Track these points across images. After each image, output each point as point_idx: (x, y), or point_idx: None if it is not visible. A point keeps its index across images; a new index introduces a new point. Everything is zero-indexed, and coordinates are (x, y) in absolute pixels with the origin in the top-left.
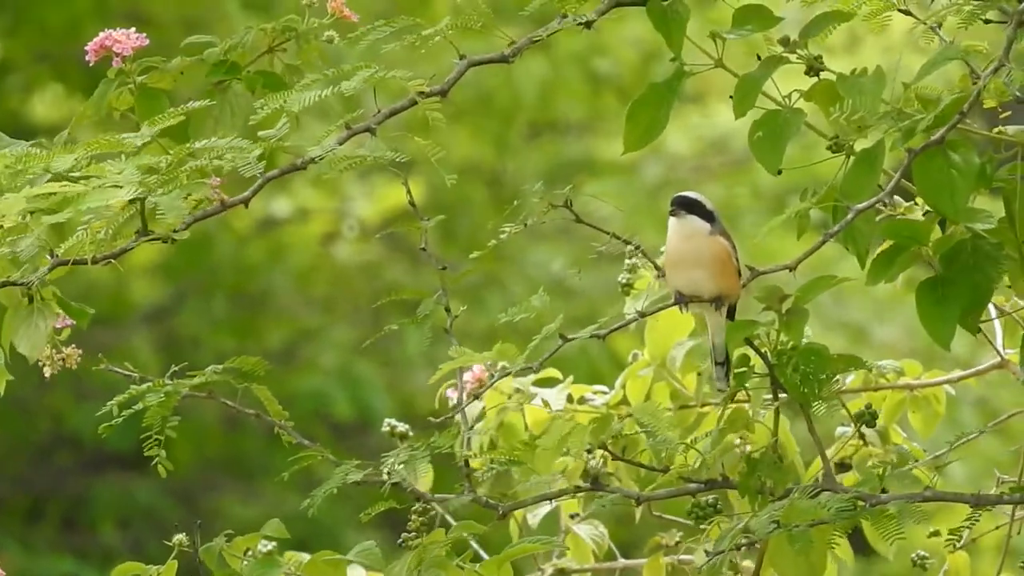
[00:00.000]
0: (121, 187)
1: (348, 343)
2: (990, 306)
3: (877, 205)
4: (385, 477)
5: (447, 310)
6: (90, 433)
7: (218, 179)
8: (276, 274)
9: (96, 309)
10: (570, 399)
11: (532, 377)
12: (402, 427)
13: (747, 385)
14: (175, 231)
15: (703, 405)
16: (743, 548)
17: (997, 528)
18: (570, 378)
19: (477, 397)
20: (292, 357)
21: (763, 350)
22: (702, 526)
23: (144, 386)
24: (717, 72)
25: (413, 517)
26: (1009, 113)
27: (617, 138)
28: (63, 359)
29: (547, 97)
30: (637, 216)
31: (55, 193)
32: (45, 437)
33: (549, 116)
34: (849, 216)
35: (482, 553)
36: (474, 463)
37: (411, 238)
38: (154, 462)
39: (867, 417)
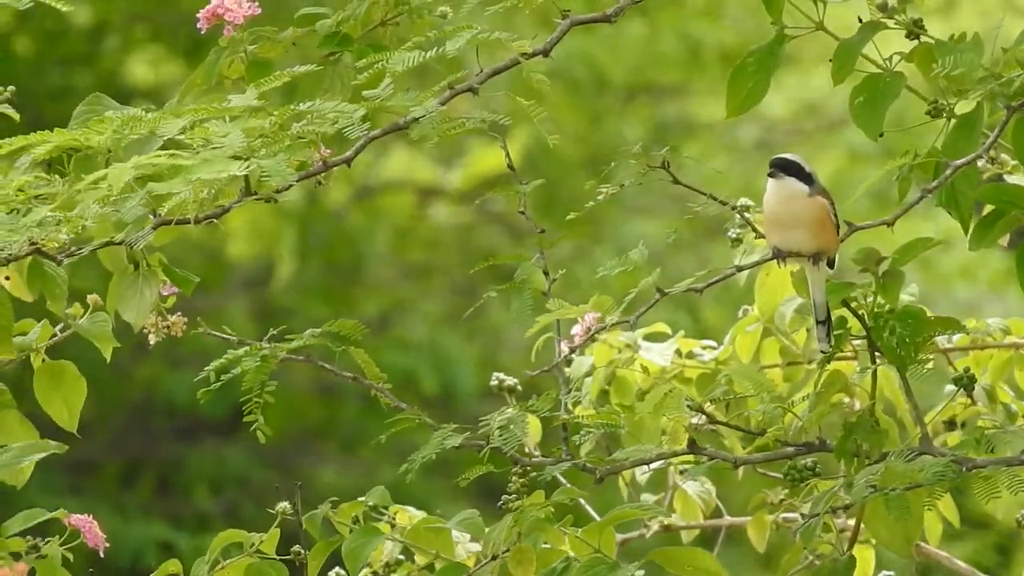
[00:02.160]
0: (231, 158)
1: (439, 314)
2: None
3: (980, 166)
4: (484, 442)
5: (546, 273)
6: (184, 399)
7: (327, 149)
8: (371, 241)
9: (192, 271)
10: (679, 354)
11: (641, 331)
12: (511, 381)
13: (854, 344)
14: (278, 191)
15: (811, 361)
16: (841, 510)
17: None
18: (680, 332)
19: (575, 349)
20: (385, 327)
21: (860, 312)
22: (802, 486)
23: (242, 350)
24: (814, 34)
25: (513, 479)
26: None
27: (714, 99)
28: (168, 327)
29: (644, 66)
30: (734, 178)
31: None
32: (139, 402)
33: (646, 79)
34: (948, 172)
35: (591, 511)
36: (581, 420)
37: (506, 204)
38: (253, 427)
39: (965, 381)
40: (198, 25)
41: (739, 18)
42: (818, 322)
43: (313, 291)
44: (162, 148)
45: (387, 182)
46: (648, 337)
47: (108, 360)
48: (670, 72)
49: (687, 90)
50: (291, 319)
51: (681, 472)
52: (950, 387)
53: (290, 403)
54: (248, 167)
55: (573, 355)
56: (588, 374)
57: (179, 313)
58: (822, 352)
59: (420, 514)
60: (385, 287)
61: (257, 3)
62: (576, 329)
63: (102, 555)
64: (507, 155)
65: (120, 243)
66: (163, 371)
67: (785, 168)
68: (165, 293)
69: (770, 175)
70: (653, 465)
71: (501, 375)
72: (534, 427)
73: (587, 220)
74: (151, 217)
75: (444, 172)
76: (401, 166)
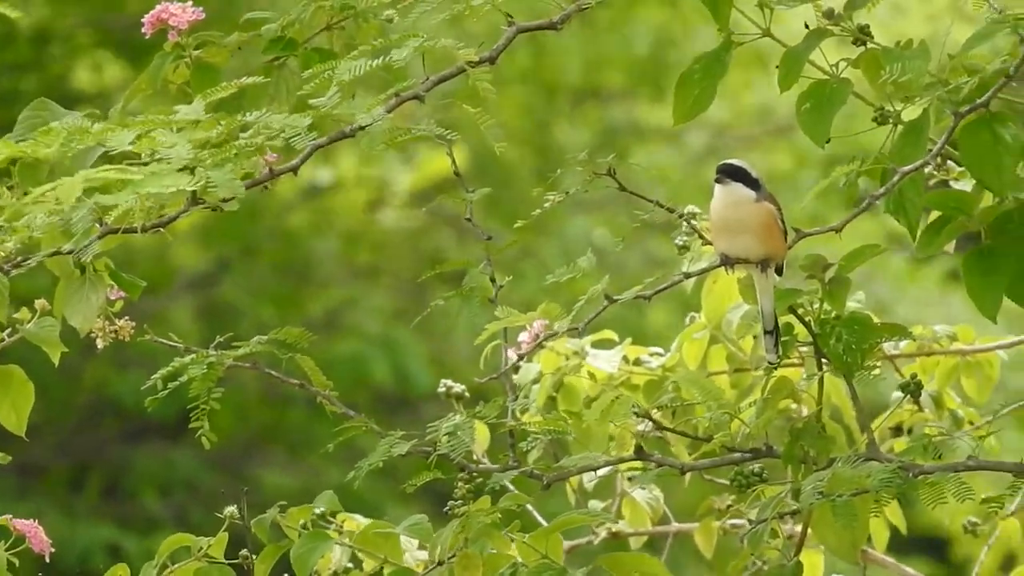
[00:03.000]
0: (179, 170)
1: (389, 310)
2: None
3: (927, 172)
4: (431, 449)
5: (492, 280)
6: (131, 402)
7: (274, 155)
8: (319, 242)
9: (137, 277)
10: (626, 360)
11: (589, 338)
12: (458, 388)
13: (801, 351)
14: (224, 200)
15: (758, 368)
16: (788, 516)
17: None
18: (627, 340)
19: (521, 358)
20: (333, 325)
21: (807, 319)
22: (749, 492)
23: (188, 358)
24: (761, 40)
25: (459, 485)
26: None
27: (661, 104)
28: (115, 331)
29: (590, 70)
30: (682, 184)
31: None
32: (87, 405)
33: (593, 83)
34: (895, 178)
35: (539, 517)
36: (528, 427)
37: (454, 206)
38: (198, 434)
39: (912, 387)
40: (143, 30)
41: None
42: (766, 332)
43: (260, 291)
44: (108, 157)
45: (335, 184)
46: (596, 344)
47: (56, 364)
48: (615, 78)
49: (634, 94)
50: (237, 319)
51: (629, 479)
52: (897, 394)
53: (238, 407)
54: (197, 182)
55: (521, 362)
56: (535, 381)
57: (127, 317)
58: (769, 363)
59: (368, 521)
60: (333, 286)
61: (201, 8)
62: (524, 336)
63: (47, 560)
64: (453, 163)
65: (69, 252)
66: (111, 373)
67: (732, 174)
68: (112, 297)
69: (717, 180)
70: (600, 472)
71: (449, 382)
72: (482, 434)
73: (533, 227)
74: (98, 226)
75: (393, 176)
76: (349, 168)
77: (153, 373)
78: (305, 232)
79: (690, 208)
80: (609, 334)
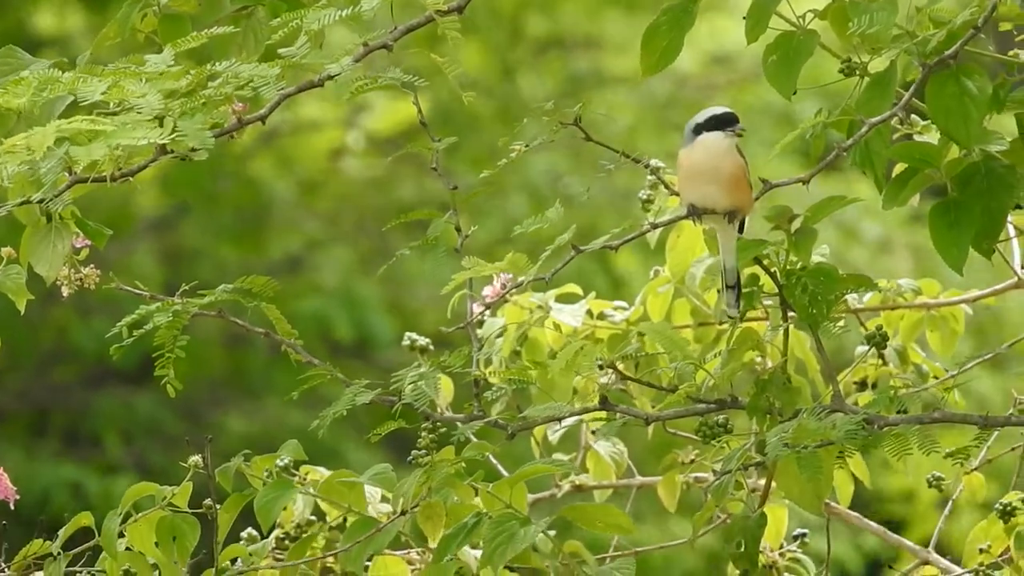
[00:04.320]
0: (150, 121)
1: (351, 260)
2: (1008, 225)
3: (893, 125)
4: (395, 398)
5: (458, 230)
6: (93, 347)
7: (242, 104)
8: (280, 187)
9: (98, 222)
10: (590, 314)
11: (553, 292)
12: (422, 341)
13: (765, 304)
14: (193, 150)
15: (722, 322)
16: (752, 468)
17: (1012, 449)
18: (591, 294)
19: (488, 307)
20: (295, 270)
21: (772, 270)
22: (713, 443)
23: (153, 306)
24: None
25: (423, 435)
26: None
27: (623, 52)
28: (81, 279)
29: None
30: (644, 130)
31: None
32: (48, 350)
33: (556, 30)
34: (863, 130)
35: (502, 471)
36: (492, 379)
37: (419, 154)
38: (164, 382)
39: (877, 339)
40: None
41: None
42: (727, 287)
43: (222, 234)
44: (78, 106)
45: (296, 128)
46: (560, 298)
47: (22, 312)
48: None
49: (598, 43)
50: (199, 262)
51: (593, 432)
52: (862, 347)
53: (199, 351)
54: (169, 135)
55: (486, 314)
56: (500, 334)
57: (92, 265)
58: (730, 317)
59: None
60: (295, 229)
61: None
62: (488, 290)
63: (12, 507)
64: (419, 111)
65: (39, 202)
66: (73, 319)
67: (730, 123)
68: (78, 246)
69: (739, 134)
70: (565, 422)
71: (413, 335)
72: (446, 387)
73: (494, 159)
74: (67, 175)
75: (355, 122)
76: (311, 114)
77: (115, 319)
78: (266, 177)
79: (655, 162)
80: (574, 288)
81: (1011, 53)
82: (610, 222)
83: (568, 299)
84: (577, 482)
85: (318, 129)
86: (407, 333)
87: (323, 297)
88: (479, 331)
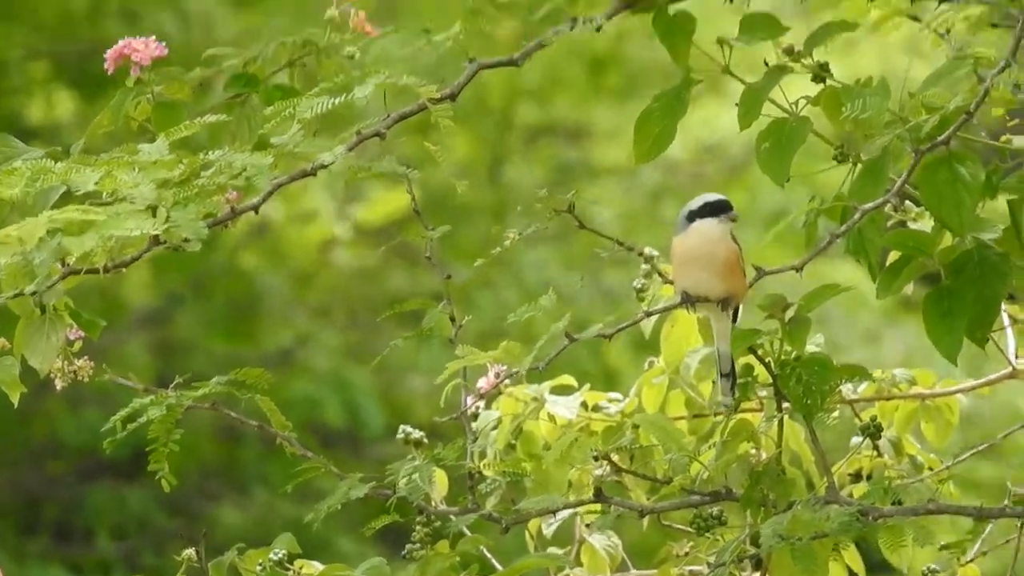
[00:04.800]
0: (142, 211)
1: (342, 348)
2: (1003, 314)
3: (887, 212)
4: (390, 491)
5: (452, 319)
6: (84, 440)
7: (235, 193)
8: (271, 279)
9: (90, 313)
10: (585, 406)
11: (548, 384)
12: (417, 434)
13: (760, 394)
14: (185, 240)
15: (717, 413)
16: (747, 560)
17: (1007, 542)
18: (586, 386)
19: (482, 398)
20: (287, 361)
21: (767, 360)
22: (708, 535)
23: (147, 399)
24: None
25: (417, 528)
26: (1016, 121)
27: (614, 141)
28: (74, 371)
29: (544, 95)
30: (636, 220)
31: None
32: (39, 443)
33: (546, 119)
34: (856, 216)
35: (496, 564)
36: (487, 472)
37: (413, 242)
38: (158, 476)
39: (871, 430)
40: (105, 66)
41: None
42: (722, 375)
43: (214, 326)
44: (71, 195)
45: (287, 219)
46: (555, 390)
47: (15, 405)
48: (570, 110)
49: (588, 133)
50: (191, 354)
51: (588, 525)
52: (856, 439)
53: (190, 444)
54: (162, 225)
55: (480, 407)
56: (495, 427)
57: (86, 357)
58: (725, 406)
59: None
60: (287, 322)
61: (164, 44)
62: (482, 382)
63: None
64: (413, 200)
65: (33, 294)
66: (64, 411)
67: (724, 209)
68: (72, 337)
69: (733, 220)
70: (560, 515)
71: (408, 428)
72: (441, 480)
73: (485, 248)
74: (60, 266)
75: (345, 213)
76: (302, 205)
77: (106, 411)
78: (257, 269)
79: (648, 250)
80: (568, 379)
81: (1003, 139)
82: (600, 317)
83: (563, 391)
84: (572, 575)
85: (308, 220)
86: (402, 426)
87: (314, 382)
88: (474, 423)
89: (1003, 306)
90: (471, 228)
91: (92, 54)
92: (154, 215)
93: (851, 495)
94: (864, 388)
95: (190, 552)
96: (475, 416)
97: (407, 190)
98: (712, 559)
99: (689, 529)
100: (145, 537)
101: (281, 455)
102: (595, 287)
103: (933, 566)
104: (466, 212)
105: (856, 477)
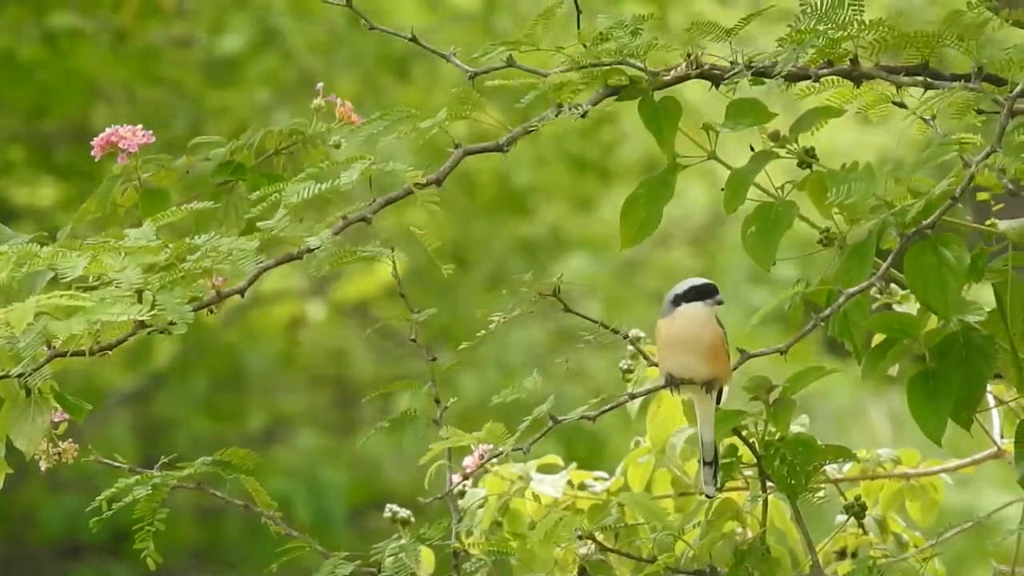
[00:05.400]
0: (128, 295)
1: (317, 445)
2: (988, 395)
3: (872, 295)
4: (375, 570)
5: (437, 401)
6: (63, 525)
7: (222, 278)
8: (250, 358)
9: (71, 394)
10: (571, 484)
11: (534, 463)
12: (403, 513)
13: (745, 474)
14: (171, 323)
15: (703, 493)
16: None
17: None
18: (572, 464)
19: (467, 477)
20: (271, 441)
21: (751, 440)
22: None
23: (132, 479)
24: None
25: None
26: (1002, 206)
27: (585, 211)
28: (59, 454)
29: (535, 188)
30: (612, 294)
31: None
32: (17, 528)
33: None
34: (840, 300)
35: None
36: (473, 550)
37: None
38: (143, 555)
39: (856, 509)
40: (92, 153)
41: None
42: (704, 463)
43: (195, 404)
44: (56, 279)
45: (260, 299)
46: (540, 468)
47: (0, 487)
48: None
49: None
50: (173, 433)
51: None
52: (841, 516)
53: (172, 523)
54: (149, 312)
55: (466, 484)
56: (480, 505)
57: (70, 440)
58: (707, 496)
59: None
60: (268, 403)
61: (151, 132)
62: (468, 461)
63: None
64: (399, 282)
65: (19, 377)
66: (44, 495)
67: (710, 294)
68: (56, 420)
69: (719, 302)
70: None
71: (395, 507)
72: (427, 558)
73: (469, 329)
74: (46, 349)
75: (321, 291)
76: (276, 283)
77: (85, 494)
78: (238, 347)
79: (634, 332)
80: (554, 459)
81: (988, 223)
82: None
83: (549, 469)
84: None
85: (281, 300)
86: (388, 505)
87: (287, 478)
88: (460, 501)
89: (988, 386)
90: (445, 303)
91: (72, 136)
92: (140, 300)
93: (836, 573)
94: (849, 468)
95: None
96: (461, 494)
97: (393, 274)
98: None
99: None
100: None
101: (263, 533)
102: (579, 364)
103: None
104: (446, 289)
105: (841, 555)
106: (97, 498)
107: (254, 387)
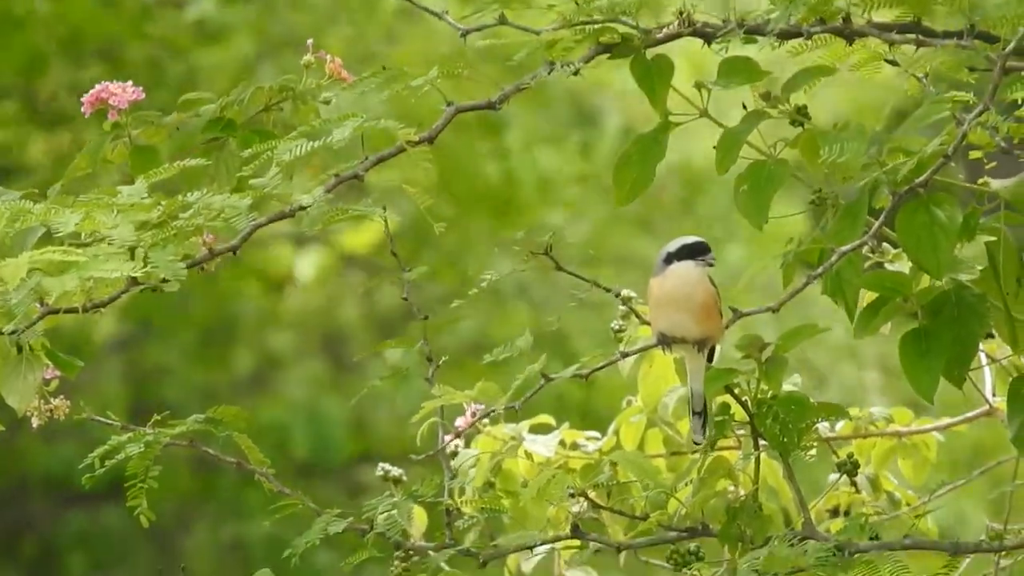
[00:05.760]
0: (122, 252)
1: (315, 375)
2: (980, 353)
3: (864, 254)
4: (368, 527)
5: (429, 359)
6: (59, 473)
7: (212, 236)
8: (243, 304)
9: (60, 343)
10: (563, 444)
11: (527, 423)
12: (396, 471)
13: (737, 432)
14: (163, 280)
15: (694, 451)
16: None
17: None
18: (565, 424)
19: (458, 435)
20: (260, 384)
21: (744, 398)
22: (685, 571)
23: (124, 436)
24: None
25: (395, 563)
26: (995, 164)
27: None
28: (51, 410)
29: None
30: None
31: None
32: (13, 477)
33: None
34: (833, 258)
35: None
36: (465, 508)
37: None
38: (136, 512)
39: (848, 467)
40: (82, 109)
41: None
42: (694, 413)
43: (186, 351)
44: (50, 236)
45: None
46: (533, 429)
47: None
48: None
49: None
50: (165, 380)
51: (566, 561)
52: (834, 475)
53: (166, 474)
54: (142, 268)
55: (458, 442)
56: (473, 465)
57: (61, 396)
58: (696, 443)
59: None
60: (259, 345)
61: (141, 88)
62: (460, 421)
63: None
64: (391, 241)
65: (11, 334)
66: (38, 446)
67: (702, 252)
68: (48, 377)
69: (710, 264)
70: (538, 550)
71: (387, 466)
72: (420, 516)
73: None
74: (38, 306)
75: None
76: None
77: (81, 441)
78: (230, 293)
79: (625, 291)
80: (547, 419)
81: (981, 181)
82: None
83: (541, 430)
84: None
85: (267, 244)
86: (380, 464)
87: (286, 410)
88: (453, 462)
89: (980, 344)
90: (439, 253)
91: (62, 93)
92: (133, 256)
93: (829, 530)
94: (842, 426)
95: None
96: (454, 454)
97: (385, 232)
98: None
99: (667, 565)
100: (125, 568)
101: (258, 485)
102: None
103: None
104: (434, 237)
105: (834, 513)
106: (89, 455)
107: (248, 331)
